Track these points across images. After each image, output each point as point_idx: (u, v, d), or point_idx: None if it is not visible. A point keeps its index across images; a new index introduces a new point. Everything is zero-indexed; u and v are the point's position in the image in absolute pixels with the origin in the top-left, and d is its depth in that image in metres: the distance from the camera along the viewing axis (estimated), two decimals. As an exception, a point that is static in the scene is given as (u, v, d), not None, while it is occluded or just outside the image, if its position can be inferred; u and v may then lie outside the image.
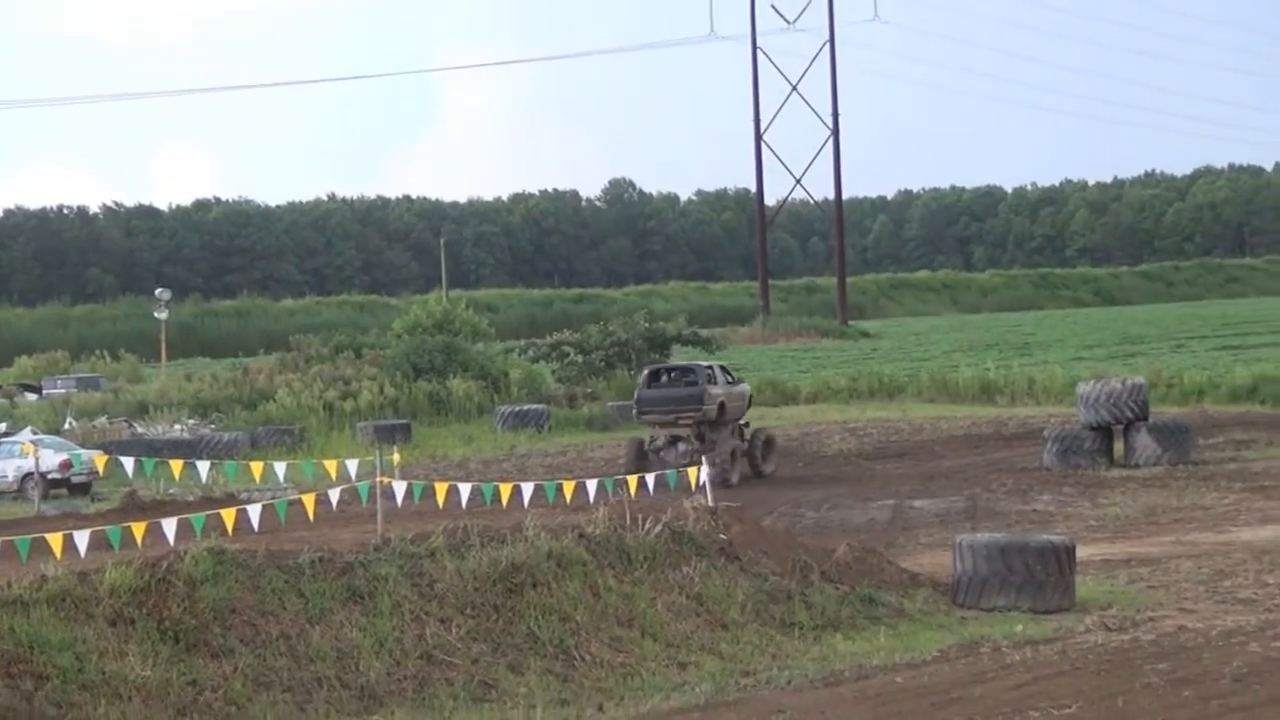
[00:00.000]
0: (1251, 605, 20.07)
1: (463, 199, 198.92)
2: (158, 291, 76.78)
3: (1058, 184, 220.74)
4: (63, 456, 37.63)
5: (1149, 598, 20.79)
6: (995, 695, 15.44)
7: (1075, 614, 19.76)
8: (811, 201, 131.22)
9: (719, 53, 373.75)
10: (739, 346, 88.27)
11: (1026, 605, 19.99)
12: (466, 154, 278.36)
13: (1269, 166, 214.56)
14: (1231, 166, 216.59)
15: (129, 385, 65.75)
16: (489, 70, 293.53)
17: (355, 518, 24.16)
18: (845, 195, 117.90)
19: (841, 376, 62.14)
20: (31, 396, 63.12)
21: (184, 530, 18.85)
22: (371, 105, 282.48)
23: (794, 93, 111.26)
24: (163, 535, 18.45)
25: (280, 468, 24.28)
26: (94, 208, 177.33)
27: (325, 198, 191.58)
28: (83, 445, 41.43)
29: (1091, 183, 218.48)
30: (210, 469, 26.54)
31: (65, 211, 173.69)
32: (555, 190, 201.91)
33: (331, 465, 23.94)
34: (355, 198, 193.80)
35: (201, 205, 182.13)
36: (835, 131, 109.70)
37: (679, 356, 59.77)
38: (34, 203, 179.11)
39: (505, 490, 21.84)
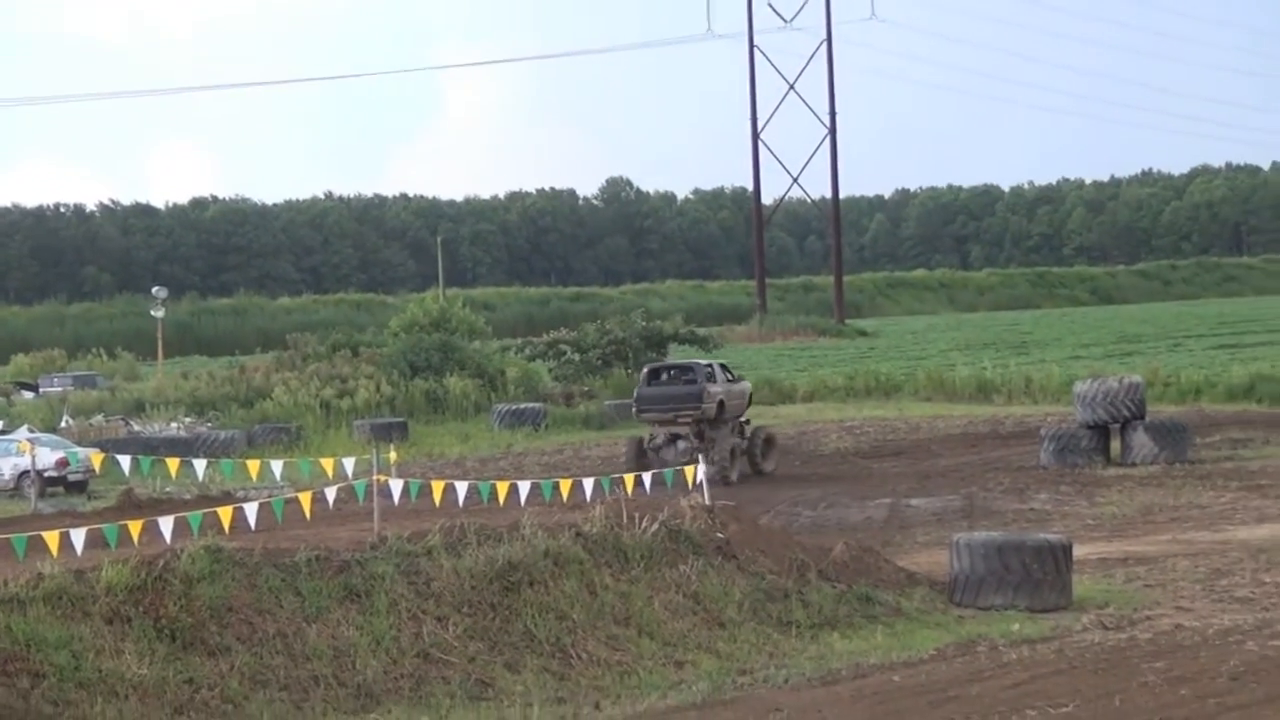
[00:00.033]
0: (1248, 604, 20.08)
1: (460, 197, 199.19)
2: (154, 290, 76.78)
3: (1055, 183, 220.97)
4: (59, 455, 37.61)
5: (1146, 596, 20.79)
6: (992, 694, 15.44)
7: (1072, 613, 19.77)
8: (809, 200, 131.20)
9: (716, 51, 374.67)
10: (736, 345, 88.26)
11: (1023, 604, 20.00)
12: (463, 152, 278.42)
13: (1266, 166, 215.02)
14: (1229, 166, 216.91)
15: (125, 383, 65.74)
16: (486, 69, 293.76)
17: (352, 516, 24.16)
18: (842, 194, 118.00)
19: (838, 375, 62.18)
20: (28, 395, 63.13)
21: (180, 528, 18.84)
22: (368, 103, 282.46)
23: (791, 91, 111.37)
24: (159, 533, 18.44)
25: (277, 466, 24.28)
26: (91, 206, 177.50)
27: (322, 196, 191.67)
28: (79, 443, 41.41)
29: (1088, 182, 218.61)
30: (207, 467, 26.57)
31: (62, 210, 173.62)
32: (552, 189, 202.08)
33: (328, 463, 23.99)
34: (352, 196, 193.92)
35: (198, 203, 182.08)
36: (832, 130, 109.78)
37: (676, 355, 59.75)
38: (31, 201, 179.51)
39: (502, 489, 21.83)
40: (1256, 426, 42.32)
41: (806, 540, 22.85)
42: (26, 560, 17.35)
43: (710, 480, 22.69)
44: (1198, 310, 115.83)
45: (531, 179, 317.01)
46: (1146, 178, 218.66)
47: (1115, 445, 36.73)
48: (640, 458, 36.30)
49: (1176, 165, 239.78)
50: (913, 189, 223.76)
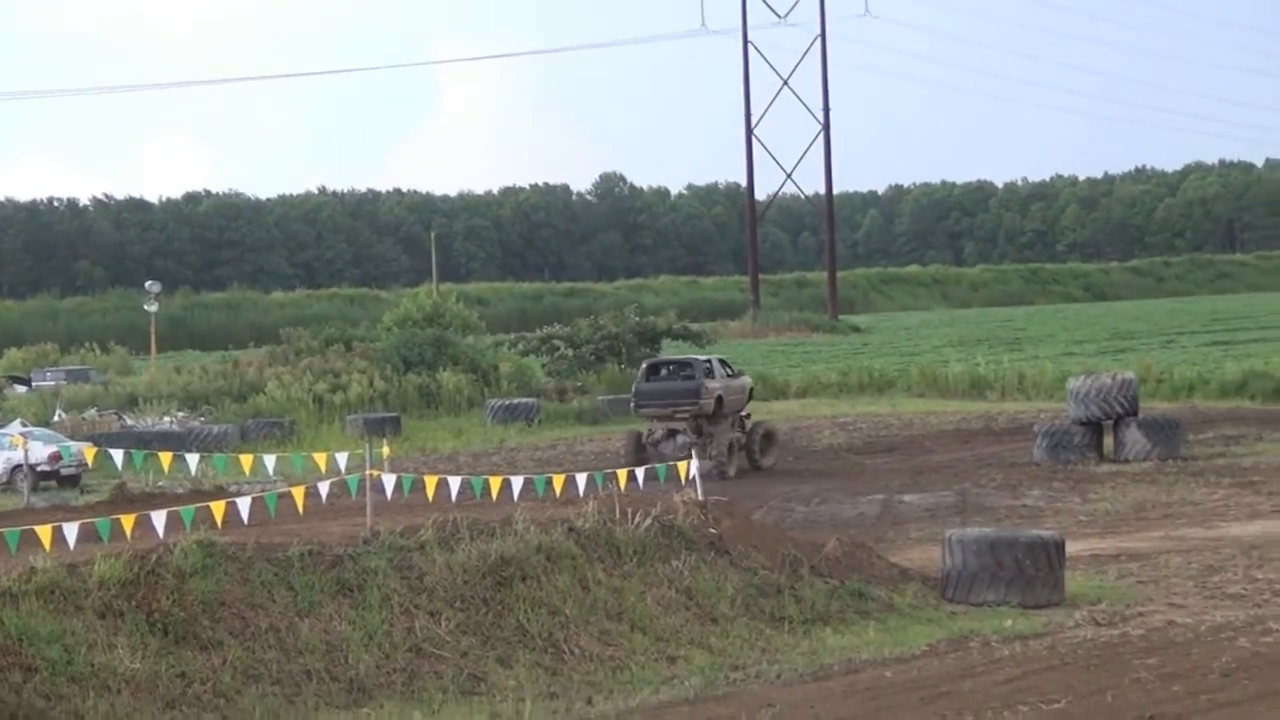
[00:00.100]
0: (1240, 600, 20.10)
1: (453, 192, 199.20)
2: (148, 284, 76.65)
3: (1048, 179, 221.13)
4: (52, 449, 37.58)
5: (1138, 593, 20.81)
6: (984, 690, 15.45)
7: (1064, 609, 19.80)
8: (802, 196, 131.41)
9: (710, 47, 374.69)
10: (729, 341, 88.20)
11: (1016, 600, 20.02)
12: (457, 147, 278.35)
13: (1259, 163, 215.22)
14: (1222, 162, 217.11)
15: (118, 378, 65.57)
16: (480, 64, 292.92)
17: (345, 511, 24.15)
18: (836, 190, 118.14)
19: (831, 371, 62.15)
20: (21, 389, 62.97)
21: (173, 523, 18.82)
22: (362, 98, 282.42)
23: (785, 87, 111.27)
24: (152, 528, 18.42)
25: (270, 460, 24.23)
26: (84, 200, 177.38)
27: (316, 191, 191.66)
28: (72, 437, 41.35)
29: (1082, 178, 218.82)
30: (200, 461, 26.55)
31: (55, 204, 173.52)
32: (546, 184, 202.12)
33: (321, 458, 23.97)
34: (346, 191, 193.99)
35: (192, 198, 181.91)
36: (826, 126, 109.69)
37: (669, 351, 59.74)
38: (24, 195, 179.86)
39: (495, 484, 21.82)
40: (1249, 423, 42.36)
41: (799, 536, 22.86)
42: (19, 554, 17.33)
43: (708, 475, 22.70)
44: (1191, 307, 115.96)
45: (525, 174, 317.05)
46: (1140, 174, 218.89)
47: (1108, 442, 36.76)
48: (639, 452, 36.38)
49: (1170, 162, 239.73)
50: (906, 185, 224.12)
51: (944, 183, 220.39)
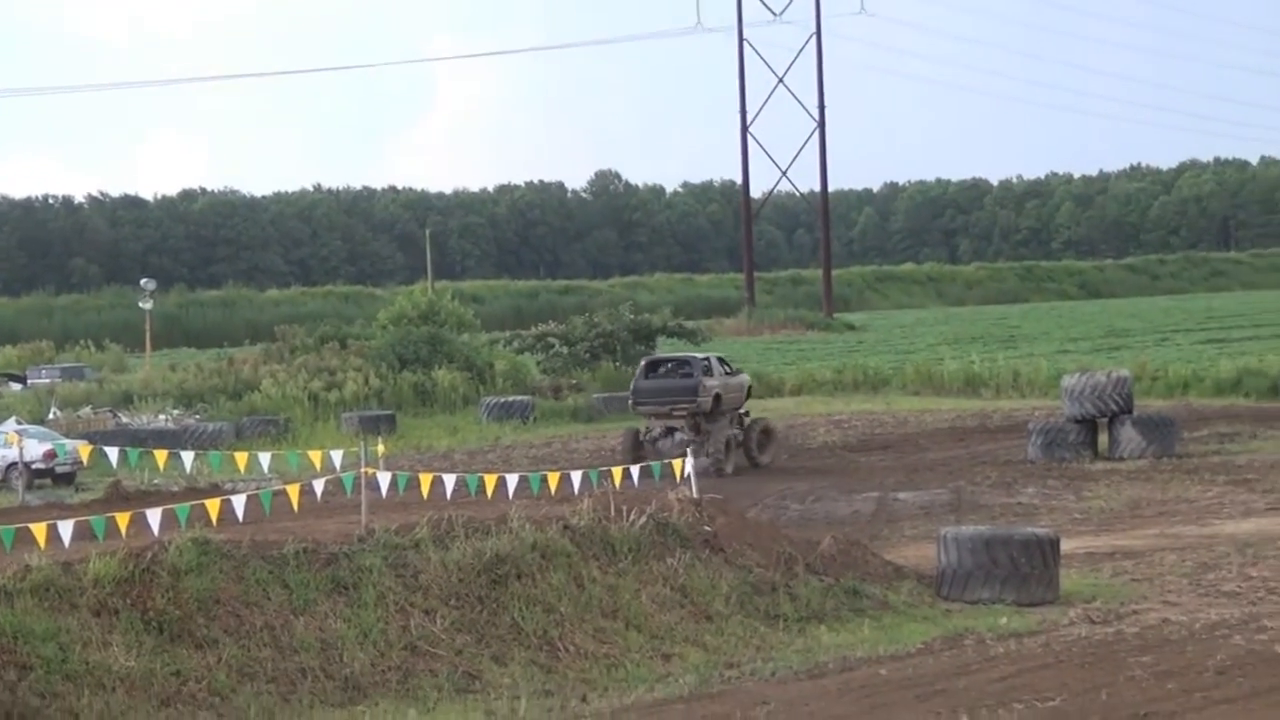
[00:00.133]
0: (1235, 598, 20.12)
1: (448, 190, 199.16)
2: (143, 281, 76.60)
3: (1043, 177, 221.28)
4: (47, 446, 37.52)
5: (1133, 590, 20.83)
6: (979, 687, 15.47)
7: (1059, 607, 19.81)
8: (797, 194, 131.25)
9: (705, 45, 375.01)
10: (724, 338, 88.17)
11: (1011, 598, 20.02)
12: (452, 145, 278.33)
13: (1254, 160, 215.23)
14: (1217, 160, 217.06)
15: (114, 375, 65.54)
16: (475, 62, 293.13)
17: (340, 509, 24.10)
18: (831, 187, 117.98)
19: (826, 369, 62.17)
20: (16, 386, 62.91)
21: (168, 521, 18.80)
22: (358, 96, 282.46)
23: (780, 85, 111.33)
24: (147, 525, 18.40)
25: (265, 458, 24.21)
26: (79, 197, 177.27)
27: (311, 188, 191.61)
28: (67, 435, 41.29)
29: (1077, 176, 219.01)
30: (195, 459, 26.52)
31: (50, 201, 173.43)
32: (541, 182, 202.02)
33: (316, 456, 23.94)
34: (341, 188, 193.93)
35: (187, 195, 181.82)
36: (821, 124, 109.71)
37: (664, 348, 59.74)
38: (19, 192, 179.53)
39: (490, 481, 21.81)
40: (1244, 421, 42.42)
41: (794, 534, 22.86)
42: (14, 552, 17.30)
43: (705, 472, 22.68)
44: (1185, 304, 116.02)
45: (520, 172, 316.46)
46: (1135, 172, 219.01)
47: (1103, 439, 36.79)
48: (636, 450, 36.39)
49: (1165, 160, 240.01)
50: (901, 183, 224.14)
51: (939, 180, 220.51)
